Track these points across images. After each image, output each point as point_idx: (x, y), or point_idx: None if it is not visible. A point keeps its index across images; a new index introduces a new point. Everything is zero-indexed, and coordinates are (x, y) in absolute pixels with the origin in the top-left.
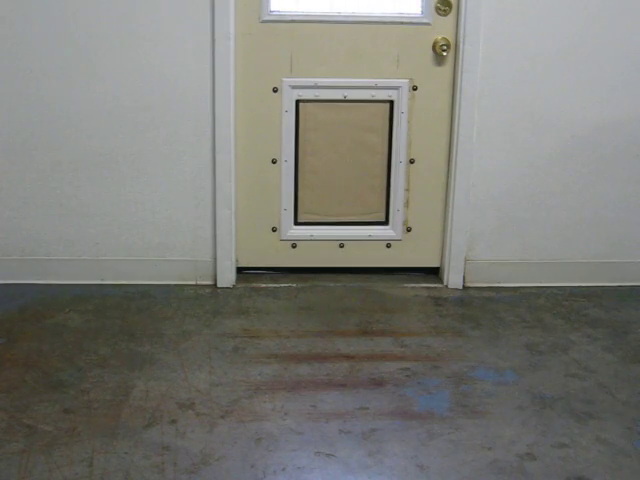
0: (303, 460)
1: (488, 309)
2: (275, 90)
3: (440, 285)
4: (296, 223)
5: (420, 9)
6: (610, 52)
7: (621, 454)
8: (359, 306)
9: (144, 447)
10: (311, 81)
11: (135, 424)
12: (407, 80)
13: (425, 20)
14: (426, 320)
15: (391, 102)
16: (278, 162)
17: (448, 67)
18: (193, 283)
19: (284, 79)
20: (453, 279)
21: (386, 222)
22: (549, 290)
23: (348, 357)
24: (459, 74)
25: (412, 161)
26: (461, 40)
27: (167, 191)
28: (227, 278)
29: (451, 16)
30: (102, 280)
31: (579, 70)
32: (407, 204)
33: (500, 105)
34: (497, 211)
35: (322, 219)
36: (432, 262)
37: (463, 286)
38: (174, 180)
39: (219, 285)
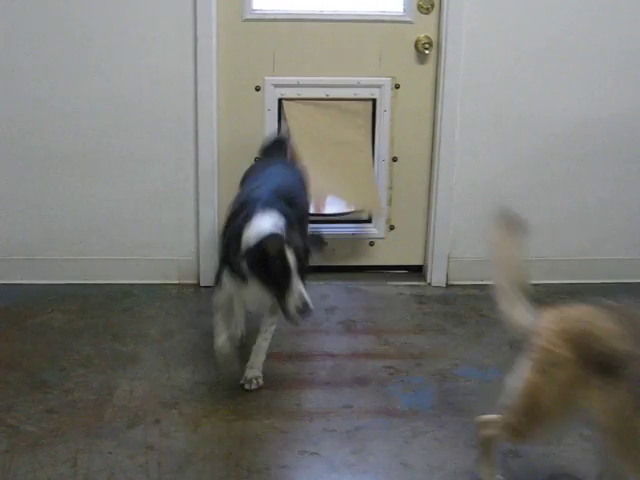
0: (287, 459)
1: (471, 307)
2: (257, 89)
3: (423, 283)
4: None
5: (402, 7)
6: (593, 50)
7: None
8: (342, 304)
9: (128, 447)
10: (294, 80)
11: (119, 424)
12: (389, 78)
13: (407, 18)
14: (410, 318)
15: (374, 100)
16: None
17: (430, 65)
18: (176, 282)
19: (266, 78)
20: (436, 277)
21: (369, 220)
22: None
23: (332, 355)
24: (441, 72)
25: (395, 159)
26: (443, 38)
27: (150, 190)
28: (210, 277)
29: (433, 14)
30: (85, 280)
31: (562, 68)
32: (390, 202)
33: (483, 103)
34: (480, 209)
35: None
36: (415, 260)
37: (446, 284)
38: (157, 179)
39: (202, 284)
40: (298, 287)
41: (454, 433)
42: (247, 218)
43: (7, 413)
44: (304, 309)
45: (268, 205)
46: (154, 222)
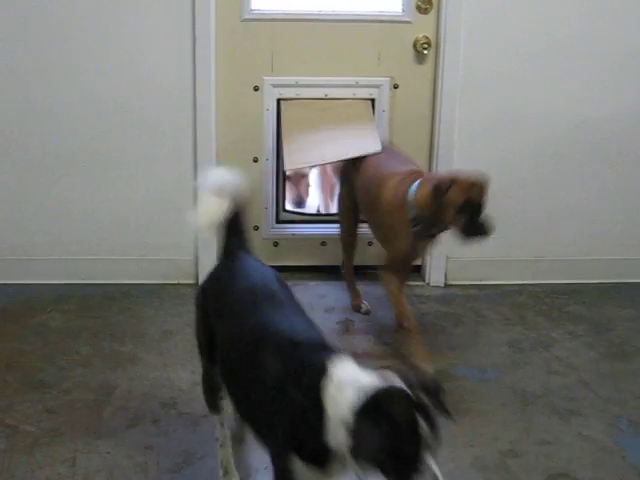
0: None
1: (470, 307)
2: (256, 89)
3: (422, 283)
4: (277, 222)
5: (401, 7)
6: (591, 50)
7: (603, 450)
8: (341, 304)
9: (127, 447)
10: (292, 79)
11: (117, 424)
12: (388, 78)
13: (406, 18)
14: None
15: (372, 100)
16: (259, 161)
17: (429, 65)
18: (175, 282)
19: (265, 77)
20: (435, 277)
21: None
22: (531, 287)
23: None
24: (440, 72)
25: None
26: (442, 38)
27: (148, 190)
28: None
29: (432, 14)
30: (84, 280)
31: (560, 67)
32: None
33: (481, 103)
34: None
35: (304, 217)
36: None
37: (445, 284)
38: (155, 179)
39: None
40: (431, 468)
41: (452, 433)
42: (315, 374)
43: (6, 413)
44: None
45: (324, 346)
46: (153, 222)
